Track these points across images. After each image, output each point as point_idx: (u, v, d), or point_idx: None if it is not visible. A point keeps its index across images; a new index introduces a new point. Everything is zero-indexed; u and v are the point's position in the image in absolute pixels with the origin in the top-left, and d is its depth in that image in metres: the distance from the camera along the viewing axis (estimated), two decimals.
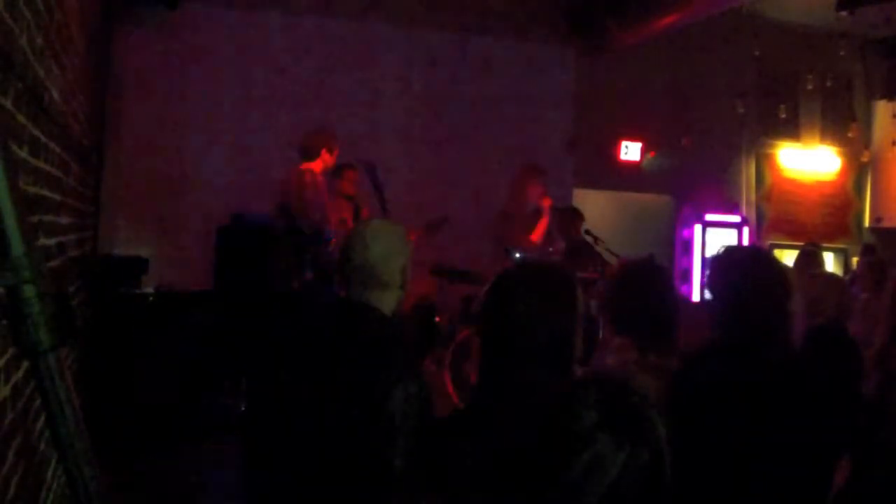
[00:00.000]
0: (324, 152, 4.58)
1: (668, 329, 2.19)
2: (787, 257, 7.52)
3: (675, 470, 1.03)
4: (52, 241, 2.62)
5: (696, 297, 8.01)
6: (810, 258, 5.60)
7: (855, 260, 8.33)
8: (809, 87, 8.11)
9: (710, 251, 7.86)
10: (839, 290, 3.27)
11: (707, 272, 2.21)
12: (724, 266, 2.13)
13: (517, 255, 4.98)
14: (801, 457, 1.91)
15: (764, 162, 8.77)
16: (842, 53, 7.55)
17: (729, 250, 2.18)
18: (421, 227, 5.17)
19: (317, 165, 4.56)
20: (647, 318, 2.17)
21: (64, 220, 2.98)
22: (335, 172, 5.10)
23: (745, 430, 1.90)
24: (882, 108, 8.89)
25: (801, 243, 7.51)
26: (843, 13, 6.60)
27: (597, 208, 7.26)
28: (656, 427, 1.09)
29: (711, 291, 2.12)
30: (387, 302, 1.93)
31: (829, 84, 8.16)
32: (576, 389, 1.13)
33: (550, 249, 5.18)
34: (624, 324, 2.23)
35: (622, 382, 1.18)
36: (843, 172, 9.12)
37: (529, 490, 1.07)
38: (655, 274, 2.33)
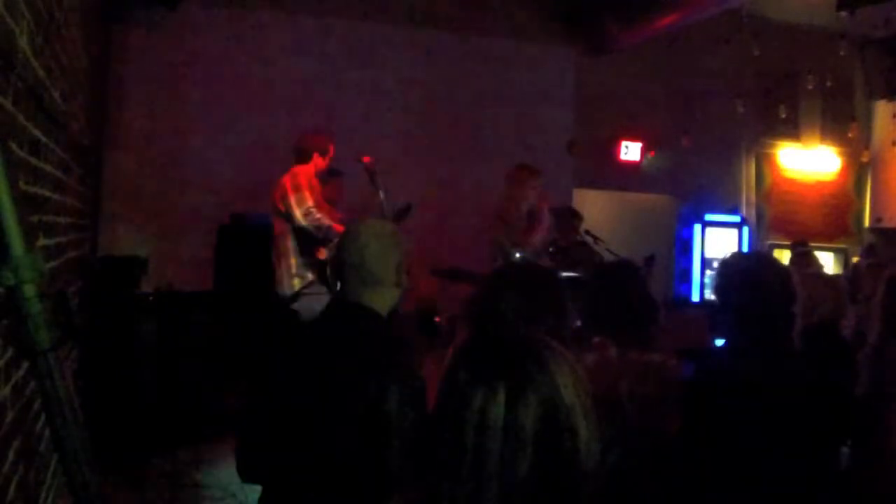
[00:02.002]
0: (315, 155, 4.55)
1: (644, 325, 2.21)
2: (787, 257, 7.54)
3: (689, 465, 0.97)
4: (51, 241, 2.62)
5: (695, 297, 8.01)
6: (802, 258, 5.63)
7: (855, 260, 8.33)
8: (809, 87, 8.10)
9: (711, 252, 7.91)
10: (835, 289, 3.27)
11: (715, 278, 2.25)
12: (731, 272, 2.17)
13: (518, 255, 4.95)
14: (803, 453, 1.94)
15: (764, 162, 8.77)
16: (842, 53, 7.54)
17: (735, 257, 2.24)
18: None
19: (309, 168, 4.54)
20: (622, 316, 2.19)
21: (64, 220, 2.99)
22: (323, 179, 4.98)
23: (754, 427, 1.94)
24: (882, 108, 8.88)
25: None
26: (843, 13, 6.60)
27: (597, 208, 7.26)
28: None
29: (719, 297, 2.17)
30: (382, 301, 1.93)
31: (829, 84, 8.15)
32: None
33: (551, 250, 5.14)
34: (600, 322, 2.24)
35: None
36: (843, 172, 9.11)
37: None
38: (627, 273, 2.39)
